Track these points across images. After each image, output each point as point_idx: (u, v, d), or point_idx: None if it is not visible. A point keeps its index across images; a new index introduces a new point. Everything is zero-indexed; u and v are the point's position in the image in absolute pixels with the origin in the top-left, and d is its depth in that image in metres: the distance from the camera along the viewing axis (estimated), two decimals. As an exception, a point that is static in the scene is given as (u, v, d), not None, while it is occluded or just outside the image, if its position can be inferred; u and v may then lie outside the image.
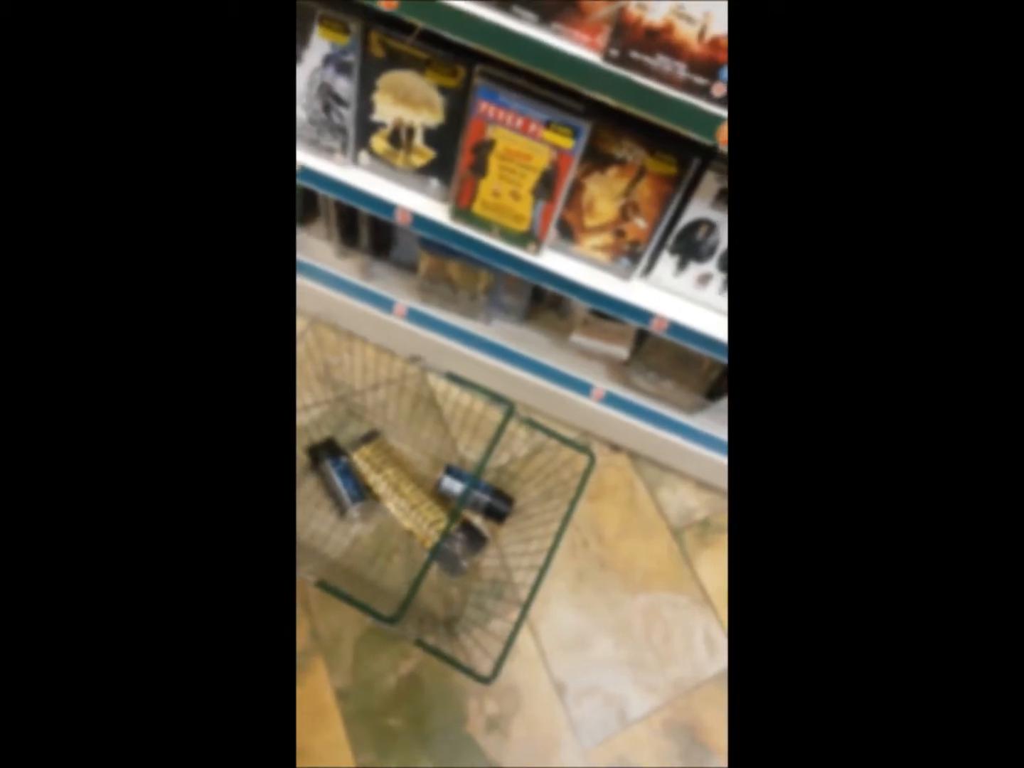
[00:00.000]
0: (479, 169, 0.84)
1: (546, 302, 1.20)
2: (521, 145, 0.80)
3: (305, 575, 0.84)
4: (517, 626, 0.87)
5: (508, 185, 0.84)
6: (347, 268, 1.17)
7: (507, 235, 0.89)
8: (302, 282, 1.19)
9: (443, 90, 0.83)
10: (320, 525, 1.09)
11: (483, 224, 0.89)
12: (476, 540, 1.10)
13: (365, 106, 0.87)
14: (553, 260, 0.92)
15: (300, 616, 1.01)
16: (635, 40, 0.65)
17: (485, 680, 0.85)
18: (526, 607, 0.88)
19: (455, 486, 1.11)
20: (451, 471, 1.12)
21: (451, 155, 0.88)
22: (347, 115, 0.88)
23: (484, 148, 0.82)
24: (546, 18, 0.69)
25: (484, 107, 0.79)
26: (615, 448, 1.25)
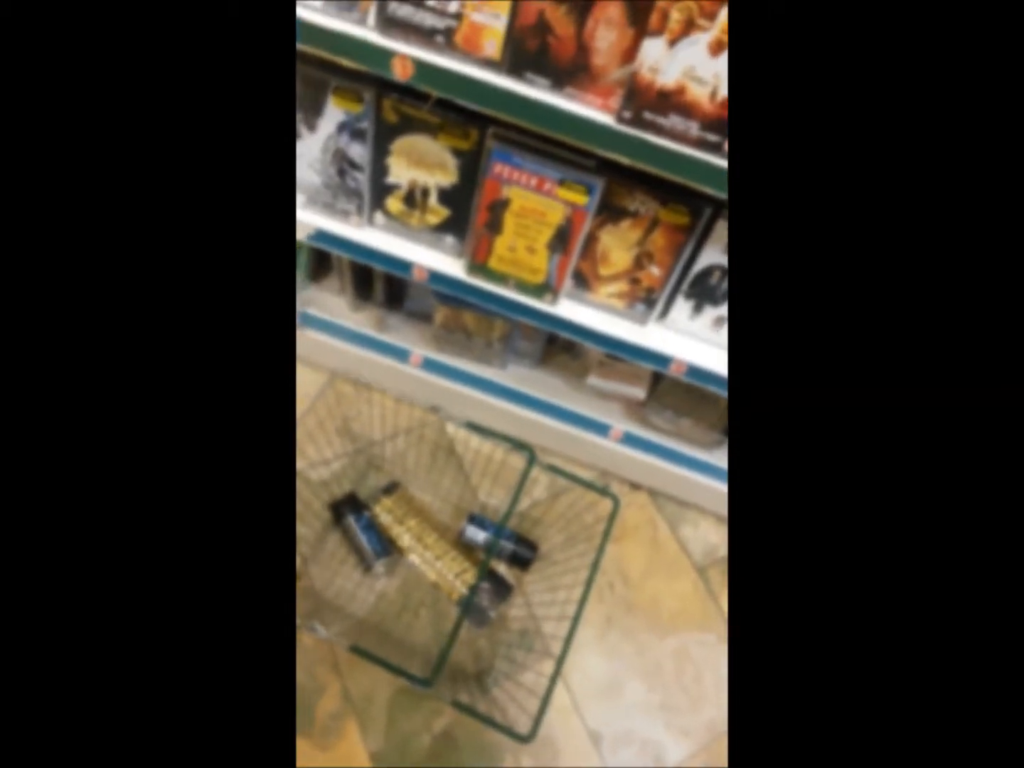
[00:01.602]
0: (494, 227, 0.86)
1: (560, 345, 1.21)
2: (536, 203, 0.82)
3: (335, 637, 0.84)
4: (553, 680, 0.86)
5: (523, 241, 0.86)
6: (362, 321, 1.18)
7: (523, 287, 0.91)
8: (317, 337, 1.20)
9: (456, 152, 0.85)
10: (345, 582, 1.08)
11: (499, 278, 0.91)
12: (502, 589, 1.09)
13: (379, 169, 0.89)
14: (569, 309, 0.93)
15: (331, 678, 0.99)
16: (648, 102, 0.67)
17: (524, 739, 0.83)
18: (560, 660, 0.87)
19: (478, 535, 1.10)
20: (474, 519, 1.11)
21: (465, 213, 0.90)
22: (362, 179, 0.90)
23: (499, 207, 0.84)
24: (559, 83, 0.71)
25: (498, 168, 0.80)
26: (635, 487, 1.25)
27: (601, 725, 1.04)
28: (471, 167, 0.85)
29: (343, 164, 0.89)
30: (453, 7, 0.69)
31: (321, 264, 1.19)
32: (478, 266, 0.90)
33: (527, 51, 0.69)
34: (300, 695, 0.97)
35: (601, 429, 1.16)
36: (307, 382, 1.25)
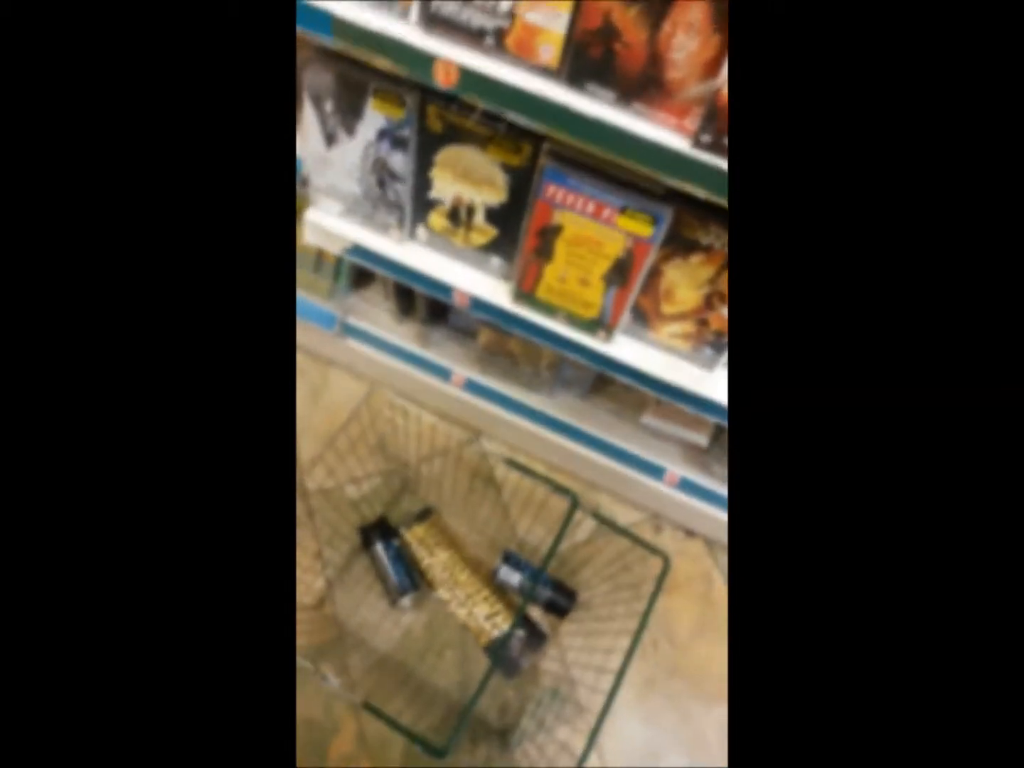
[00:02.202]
0: (544, 254, 0.76)
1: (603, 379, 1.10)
2: (592, 231, 0.71)
3: (344, 691, 0.78)
4: (587, 750, 0.77)
5: (576, 271, 0.76)
6: (404, 334, 1.11)
7: (574, 321, 0.80)
8: (358, 347, 1.14)
9: (506, 168, 0.75)
10: (370, 612, 1.02)
11: (547, 309, 0.81)
12: (535, 638, 1.00)
13: (422, 183, 0.81)
14: (625, 348, 0.82)
15: (347, 718, 0.94)
16: (732, 125, 0.55)
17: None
18: (596, 729, 0.78)
19: (513, 577, 1.02)
20: (509, 559, 1.03)
21: (515, 233, 0.80)
22: (403, 191, 0.82)
23: (550, 233, 0.74)
24: (625, 97, 0.60)
25: (551, 190, 0.70)
26: (689, 534, 1.13)
27: (633, 799, 0.94)
28: (522, 185, 0.75)
29: (383, 174, 0.81)
30: (505, 6, 0.59)
31: (364, 272, 1.12)
32: (525, 295, 0.81)
33: (589, 59, 0.58)
34: (314, 733, 0.93)
35: (655, 472, 1.05)
36: (347, 395, 1.20)
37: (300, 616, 0.97)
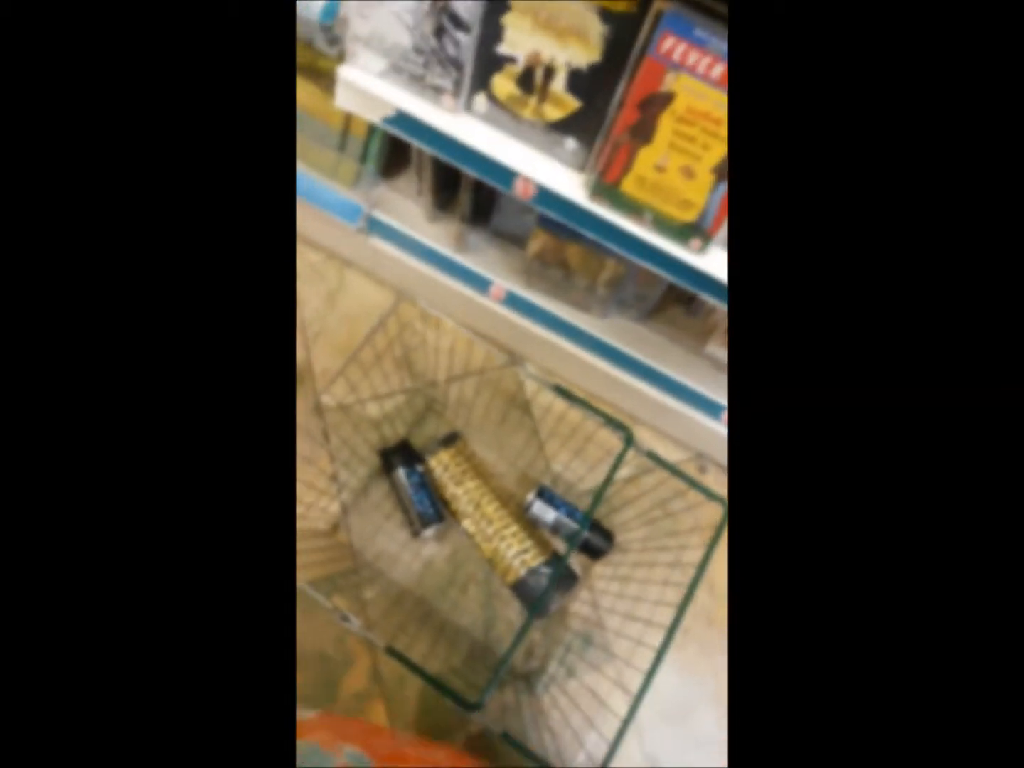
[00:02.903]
0: (643, 133, 0.61)
1: (675, 295, 0.97)
2: (712, 103, 0.56)
3: (370, 635, 0.69)
4: (626, 723, 0.70)
5: (681, 158, 0.61)
6: (439, 236, 0.96)
7: (663, 225, 0.67)
8: (384, 247, 0.99)
9: (606, 16, 0.59)
10: (389, 542, 0.93)
11: (632, 208, 0.67)
12: (567, 579, 0.92)
13: (491, 32, 0.64)
14: (722, 262, 0.68)
15: (361, 652, 0.87)
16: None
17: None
18: (638, 699, 0.71)
19: (547, 513, 0.93)
20: (543, 494, 0.93)
21: (601, 108, 0.64)
22: (465, 43, 0.65)
23: (656, 104, 0.59)
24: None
25: (668, 44, 0.55)
26: (738, 479, 1.04)
27: (660, 752, 0.89)
28: (624, 40, 0.59)
29: (444, 19, 0.65)
30: None
31: (397, 156, 0.96)
32: (607, 187, 0.66)
33: None
34: (325, 667, 0.85)
35: (712, 409, 0.94)
36: (367, 301, 1.06)
37: (313, 543, 0.87)
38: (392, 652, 0.68)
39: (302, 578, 0.69)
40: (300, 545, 0.85)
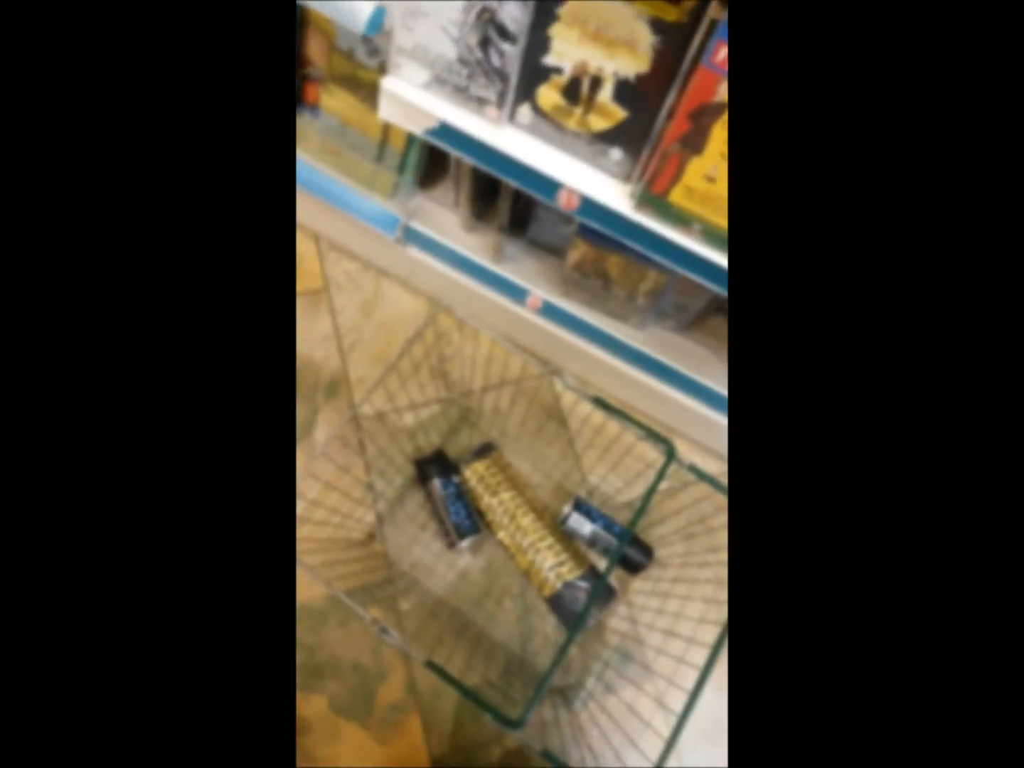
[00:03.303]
0: (693, 143, 0.60)
1: (716, 305, 0.95)
2: (768, 113, 0.55)
3: (409, 648, 0.69)
4: (670, 745, 0.68)
5: (732, 169, 0.60)
6: (476, 246, 0.96)
7: (712, 236, 0.65)
8: (420, 257, 0.99)
9: (657, 25, 0.58)
10: (424, 553, 0.93)
11: (680, 218, 0.65)
12: (604, 593, 0.91)
13: (538, 43, 0.64)
14: (770, 274, 0.67)
15: (397, 663, 0.86)
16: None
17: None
18: (689, 708, 0.69)
19: (584, 526, 0.92)
20: (580, 507, 0.92)
21: (649, 118, 0.64)
22: (511, 54, 0.65)
23: (708, 115, 0.58)
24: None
25: (723, 53, 0.53)
26: (779, 492, 1.01)
27: (700, 771, 0.87)
28: (675, 49, 0.58)
29: (490, 30, 0.64)
30: None
31: (434, 167, 0.96)
32: (653, 198, 0.65)
33: None
34: (361, 677, 0.85)
35: (755, 421, 0.92)
36: (403, 310, 1.06)
37: (350, 553, 0.87)
38: (432, 666, 0.68)
39: (338, 588, 0.69)
40: (336, 555, 0.86)
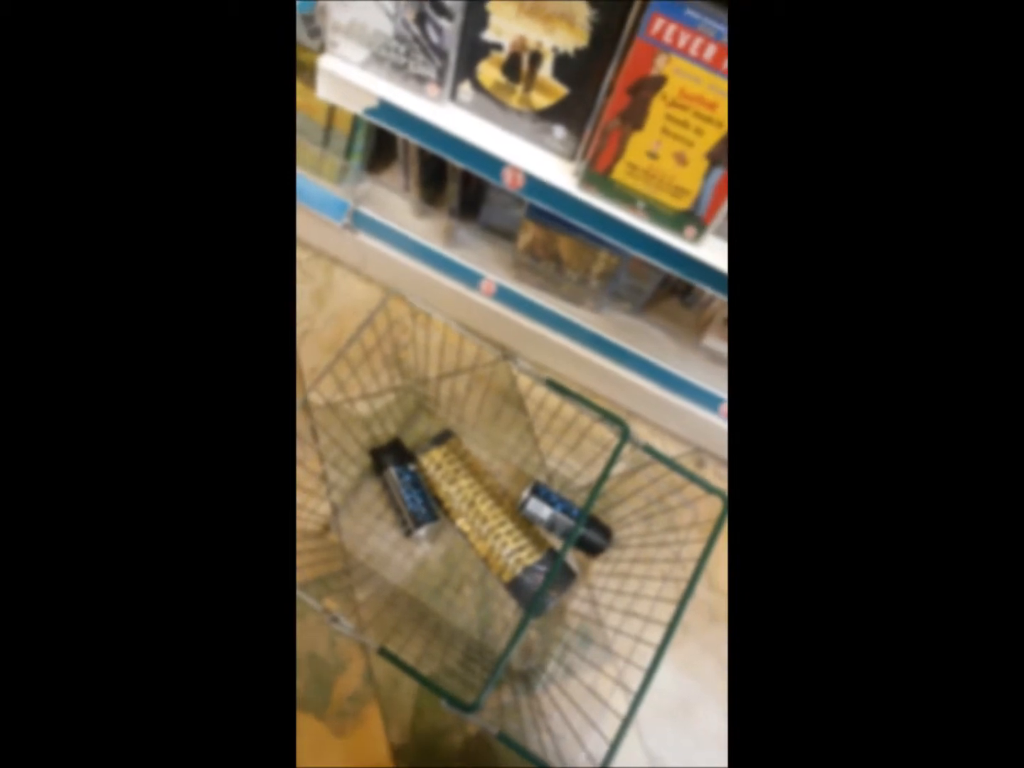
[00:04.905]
0: (633, 119, 0.59)
1: (671, 286, 0.96)
2: (705, 86, 0.55)
3: (362, 637, 0.67)
4: (626, 723, 0.68)
5: (673, 144, 0.59)
6: (427, 231, 0.94)
7: (657, 214, 0.65)
8: (371, 243, 0.97)
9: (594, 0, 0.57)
10: (380, 543, 0.91)
11: (625, 196, 0.65)
12: (564, 576, 0.91)
13: (476, 19, 0.62)
14: (717, 251, 0.67)
15: (354, 654, 0.85)
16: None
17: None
18: (644, 686, 0.69)
19: (542, 510, 0.91)
20: (538, 491, 0.92)
21: (590, 94, 0.63)
22: (449, 30, 0.64)
23: (647, 87, 0.57)
24: None
25: (658, 25, 0.53)
26: (735, 472, 1.02)
27: (663, 749, 0.88)
28: (612, 23, 0.58)
29: (426, 7, 0.63)
30: None
31: (382, 151, 0.94)
32: (597, 176, 0.65)
33: None
34: (317, 669, 0.84)
35: (710, 402, 0.93)
36: (355, 299, 1.04)
37: (303, 545, 0.86)
38: (384, 653, 0.67)
39: (292, 582, 0.67)
40: (291, 548, 0.84)
